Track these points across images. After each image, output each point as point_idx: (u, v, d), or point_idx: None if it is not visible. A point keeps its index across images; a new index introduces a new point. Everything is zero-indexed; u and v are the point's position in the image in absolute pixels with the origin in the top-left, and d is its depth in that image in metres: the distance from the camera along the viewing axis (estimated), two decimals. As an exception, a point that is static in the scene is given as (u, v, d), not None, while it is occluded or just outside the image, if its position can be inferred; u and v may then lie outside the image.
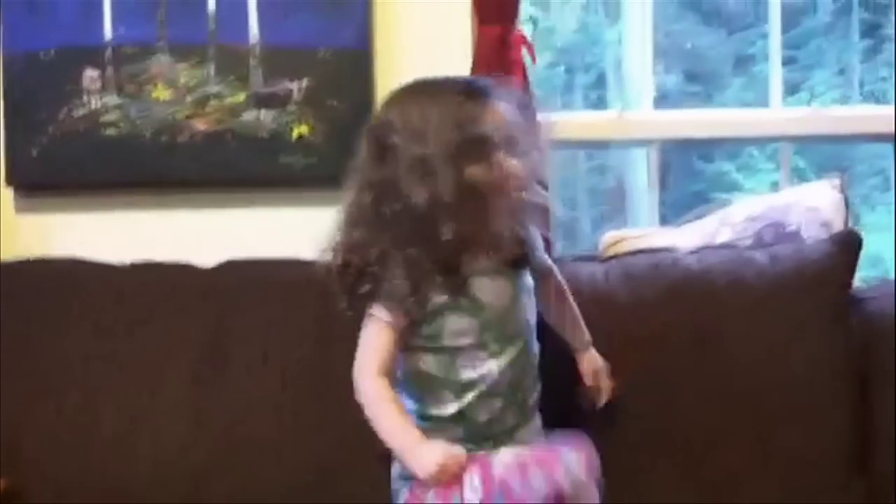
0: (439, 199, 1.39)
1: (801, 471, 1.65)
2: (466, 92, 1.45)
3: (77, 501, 1.71)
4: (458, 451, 1.42)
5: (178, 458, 1.72)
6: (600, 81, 5.27)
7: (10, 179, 2.17)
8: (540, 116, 1.56)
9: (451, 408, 1.50)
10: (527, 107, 1.55)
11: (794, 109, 2.51)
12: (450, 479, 1.39)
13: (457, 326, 1.48)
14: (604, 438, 1.67)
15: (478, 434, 1.51)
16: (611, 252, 2.02)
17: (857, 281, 1.91)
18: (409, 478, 1.50)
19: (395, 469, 1.57)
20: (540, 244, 1.59)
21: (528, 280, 1.56)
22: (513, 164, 1.43)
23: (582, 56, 5.25)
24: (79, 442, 1.74)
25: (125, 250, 1.94)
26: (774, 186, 3.37)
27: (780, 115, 2.36)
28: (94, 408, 1.76)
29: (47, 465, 1.73)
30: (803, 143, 3.17)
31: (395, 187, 1.42)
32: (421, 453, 1.42)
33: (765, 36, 2.68)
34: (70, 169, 2.14)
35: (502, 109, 1.45)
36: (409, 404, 1.53)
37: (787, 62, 4.75)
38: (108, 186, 2.17)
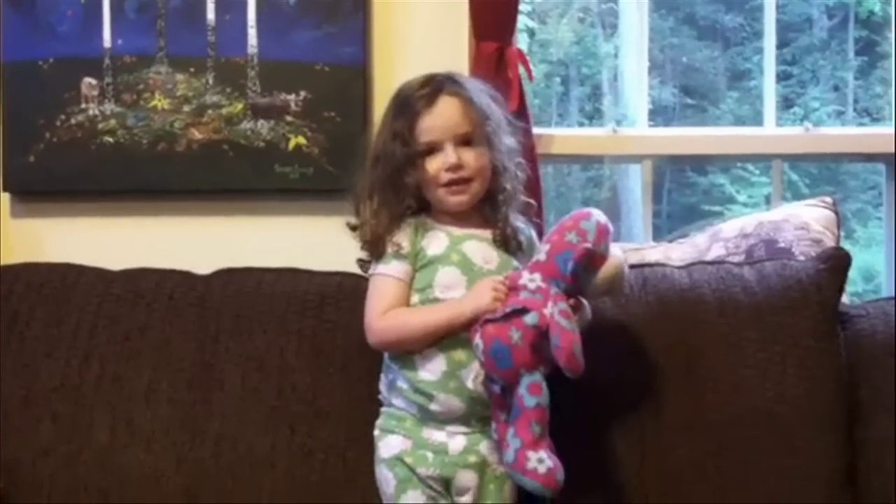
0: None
1: (788, 488, 1.65)
2: (399, 107, 1.63)
3: (70, 508, 1.72)
4: (489, 278, 1.56)
5: (171, 470, 1.72)
6: (596, 94, 5.30)
7: (7, 185, 2.18)
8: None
9: (440, 366, 1.56)
10: (494, 98, 1.68)
11: (787, 128, 2.52)
12: (507, 292, 1.53)
13: (447, 279, 1.59)
14: (592, 458, 1.69)
15: (469, 401, 1.56)
16: (603, 266, 2.04)
17: (851, 296, 1.93)
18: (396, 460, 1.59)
19: (380, 450, 1.62)
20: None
21: (515, 265, 1.62)
22: (433, 162, 1.60)
23: (578, 68, 5.27)
24: (72, 449, 1.73)
25: (120, 257, 1.95)
26: (769, 199, 3.39)
27: (774, 134, 2.37)
28: (88, 415, 1.75)
29: (40, 472, 1.72)
30: (796, 161, 3.19)
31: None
32: (469, 300, 1.55)
33: (760, 51, 2.70)
34: (67, 176, 2.15)
35: (439, 113, 1.60)
36: (402, 380, 1.60)
37: (783, 78, 4.78)
38: (104, 194, 2.18)
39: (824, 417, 1.69)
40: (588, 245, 1.48)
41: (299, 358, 1.77)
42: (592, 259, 1.49)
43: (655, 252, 2.06)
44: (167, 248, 2.11)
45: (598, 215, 1.53)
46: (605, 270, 1.54)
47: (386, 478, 1.61)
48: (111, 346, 1.80)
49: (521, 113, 2.08)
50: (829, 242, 1.97)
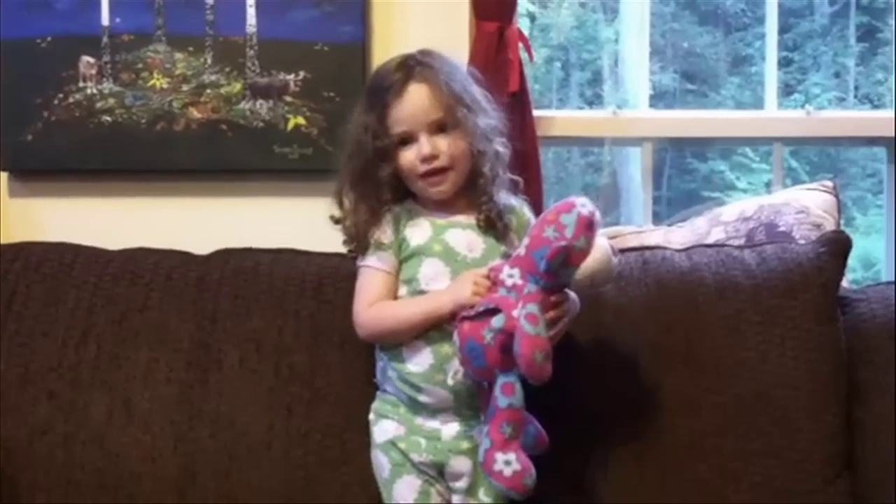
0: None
1: (787, 470, 1.65)
2: (371, 98, 1.61)
3: (67, 487, 1.71)
4: (471, 270, 1.54)
5: (168, 450, 1.72)
6: (596, 79, 5.27)
7: (5, 164, 2.17)
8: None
9: (427, 359, 1.55)
10: (471, 77, 1.65)
11: (788, 111, 2.51)
12: (487, 289, 1.49)
13: (431, 270, 1.58)
14: (590, 439, 1.69)
15: (456, 394, 1.55)
16: (602, 249, 2.03)
17: (850, 283, 1.92)
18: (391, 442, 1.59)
19: (375, 435, 1.62)
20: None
21: (504, 250, 1.60)
22: (408, 154, 1.58)
23: (579, 53, 5.25)
24: (69, 428, 1.73)
25: (118, 237, 1.94)
26: (768, 186, 3.38)
27: (775, 117, 2.37)
28: (85, 395, 1.75)
29: (37, 451, 1.72)
30: (797, 144, 3.18)
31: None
32: (449, 293, 1.53)
33: (761, 37, 2.69)
34: (64, 155, 2.15)
35: (409, 103, 1.57)
36: (392, 370, 1.59)
37: (784, 64, 4.76)
38: (102, 173, 2.18)
39: (823, 400, 1.69)
40: (562, 243, 1.41)
41: (297, 339, 1.77)
42: (568, 256, 1.43)
43: (655, 235, 2.05)
44: (165, 228, 2.10)
45: (582, 206, 1.44)
46: (588, 265, 1.48)
47: (381, 462, 1.61)
48: (109, 325, 1.80)
49: (521, 94, 2.08)
50: (830, 227, 1.97)
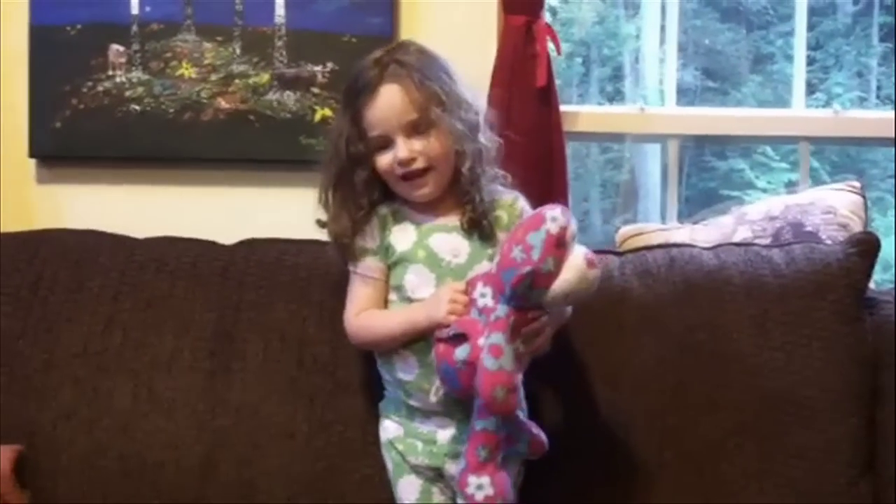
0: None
1: (810, 471, 1.65)
2: (346, 99, 1.57)
3: (90, 472, 1.72)
4: (450, 284, 1.50)
5: (191, 437, 1.72)
6: (617, 75, 5.26)
7: (33, 151, 2.18)
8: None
9: (414, 368, 1.54)
10: (449, 74, 1.57)
11: (815, 111, 2.50)
12: (465, 305, 1.45)
13: (416, 277, 1.55)
14: (612, 436, 1.69)
15: (447, 405, 1.52)
16: (627, 246, 2.03)
17: (874, 285, 1.91)
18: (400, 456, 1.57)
19: (380, 433, 1.62)
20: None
21: (490, 252, 1.55)
22: (384, 157, 1.53)
23: (600, 49, 5.24)
24: (93, 414, 1.74)
25: (144, 225, 1.95)
26: (788, 186, 3.36)
27: (802, 116, 2.35)
28: (109, 381, 1.76)
29: (61, 436, 1.73)
30: (823, 144, 3.16)
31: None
32: (426, 309, 1.50)
33: (783, 35, 2.68)
34: (92, 142, 2.16)
35: (382, 105, 1.51)
36: (386, 373, 1.59)
37: (806, 63, 4.74)
38: (129, 161, 2.18)
39: (848, 401, 1.68)
40: (525, 269, 1.35)
41: (320, 329, 1.77)
42: (534, 280, 1.36)
43: (681, 233, 2.04)
44: (191, 217, 2.11)
45: (551, 223, 1.36)
46: (559, 286, 1.38)
47: (385, 460, 1.61)
48: (133, 313, 1.80)
49: (548, 88, 2.07)
50: (856, 227, 1.96)
